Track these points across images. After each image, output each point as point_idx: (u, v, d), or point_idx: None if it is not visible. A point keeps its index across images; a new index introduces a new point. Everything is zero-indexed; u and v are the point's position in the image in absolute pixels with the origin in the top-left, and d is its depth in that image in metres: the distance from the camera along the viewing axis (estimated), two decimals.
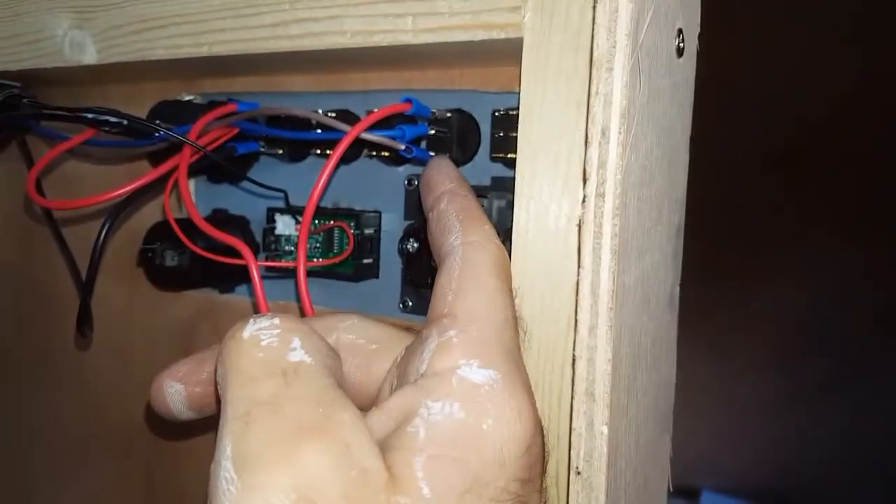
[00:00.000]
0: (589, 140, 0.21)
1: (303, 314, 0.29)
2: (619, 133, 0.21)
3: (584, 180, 0.21)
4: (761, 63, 1.33)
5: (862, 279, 1.37)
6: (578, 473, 0.21)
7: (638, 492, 0.25)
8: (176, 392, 0.27)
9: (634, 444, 0.24)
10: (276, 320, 0.21)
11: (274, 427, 0.18)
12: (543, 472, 0.21)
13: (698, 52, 0.32)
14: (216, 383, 0.22)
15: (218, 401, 0.23)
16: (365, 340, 0.26)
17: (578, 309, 0.21)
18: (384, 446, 0.19)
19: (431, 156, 0.32)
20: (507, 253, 0.26)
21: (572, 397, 0.21)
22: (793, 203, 1.39)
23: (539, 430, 0.21)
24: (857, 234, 1.36)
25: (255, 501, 0.17)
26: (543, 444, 0.21)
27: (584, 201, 0.21)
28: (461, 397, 0.20)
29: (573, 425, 0.21)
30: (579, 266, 0.21)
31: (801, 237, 1.39)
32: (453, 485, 0.18)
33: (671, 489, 0.30)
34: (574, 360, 0.21)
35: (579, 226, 0.21)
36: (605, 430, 0.21)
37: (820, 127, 1.33)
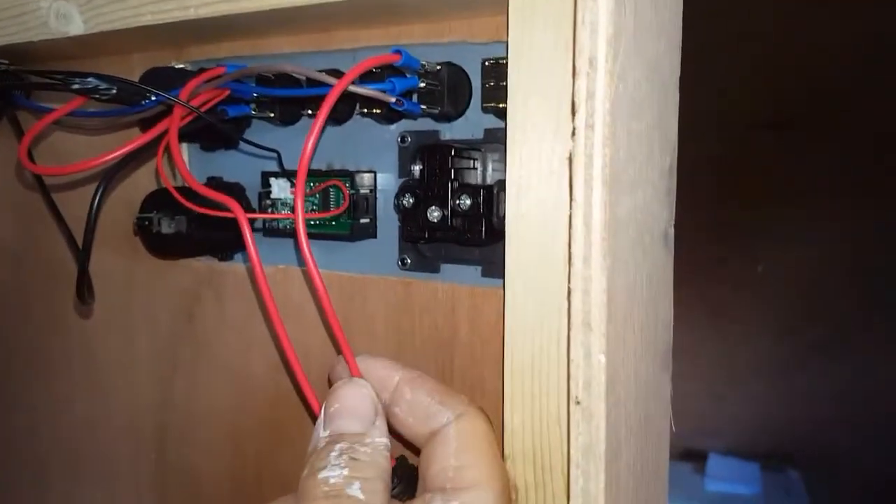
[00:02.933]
0: (577, 71, 0.21)
1: (308, 278, 0.30)
2: (607, 61, 0.21)
3: (573, 112, 0.21)
4: (764, 25, 1.33)
5: (862, 241, 1.38)
6: (578, 403, 0.21)
7: (639, 425, 0.25)
8: None
9: (633, 377, 0.24)
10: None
11: None
12: None
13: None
14: None
15: None
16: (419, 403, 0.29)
17: (572, 242, 0.21)
18: None
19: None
20: (489, 416, 0.28)
21: (569, 328, 0.21)
22: (795, 166, 1.39)
23: None
24: (858, 196, 1.36)
25: None
26: None
27: (573, 134, 0.21)
28: None
29: (571, 356, 0.21)
30: (571, 199, 0.21)
31: (803, 200, 1.39)
32: None
33: (674, 428, 0.30)
34: (569, 293, 0.22)
35: (570, 159, 0.21)
36: (603, 358, 0.21)
37: (824, 90, 1.33)
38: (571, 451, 0.22)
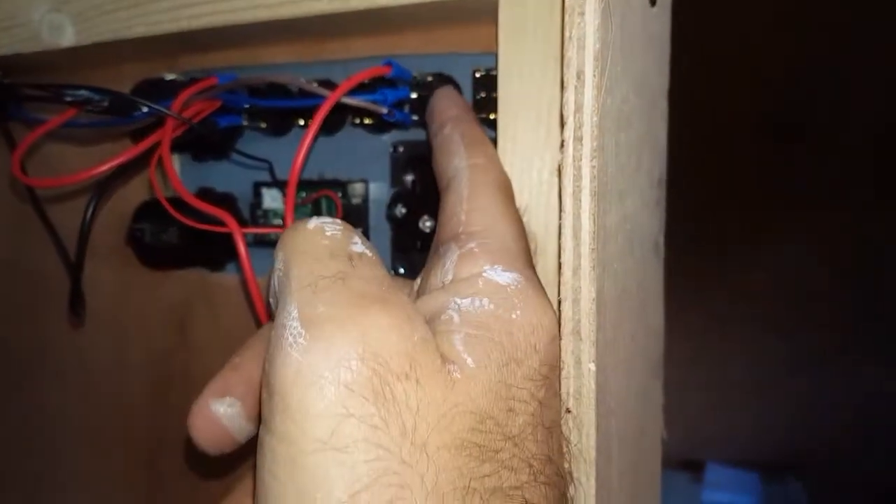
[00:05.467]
0: (565, 84, 0.21)
1: None
2: (594, 76, 0.21)
3: (562, 125, 0.21)
4: (761, 32, 1.33)
5: (860, 249, 1.38)
6: (569, 411, 0.21)
7: (630, 433, 0.25)
8: (230, 408, 0.25)
9: (625, 386, 0.24)
10: (338, 221, 0.22)
11: (342, 294, 0.19)
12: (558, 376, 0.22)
13: (673, 9, 0.32)
14: (270, 291, 0.22)
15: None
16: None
17: (562, 251, 0.21)
18: None
19: (440, 91, 0.31)
20: (508, 176, 0.27)
21: (559, 337, 0.22)
22: (794, 173, 1.39)
23: (558, 332, 0.22)
24: (855, 204, 1.36)
25: (324, 350, 0.18)
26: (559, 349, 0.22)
27: (562, 146, 0.22)
28: (489, 294, 0.21)
29: (562, 366, 0.21)
30: (561, 210, 0.22)
31: (802, 207, 1.39)
32: (493, 358, 0.20)
33: (665, 437, 0.30)
34: (560, 303, 0.22)
35: (559, 170, 0.22)
36: (593, 367, 0.21)
37: (824, 96, 1.33)
38: None
